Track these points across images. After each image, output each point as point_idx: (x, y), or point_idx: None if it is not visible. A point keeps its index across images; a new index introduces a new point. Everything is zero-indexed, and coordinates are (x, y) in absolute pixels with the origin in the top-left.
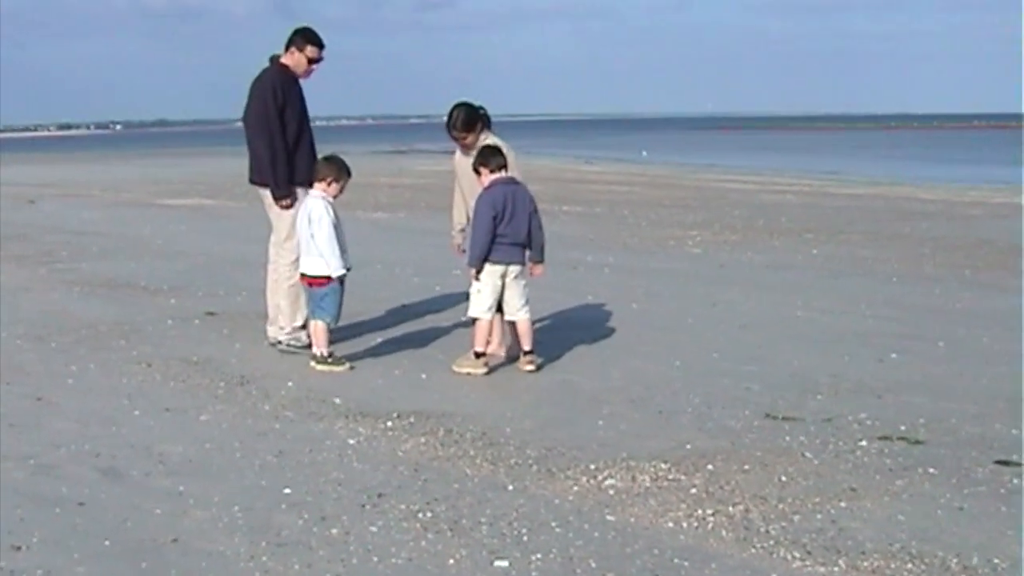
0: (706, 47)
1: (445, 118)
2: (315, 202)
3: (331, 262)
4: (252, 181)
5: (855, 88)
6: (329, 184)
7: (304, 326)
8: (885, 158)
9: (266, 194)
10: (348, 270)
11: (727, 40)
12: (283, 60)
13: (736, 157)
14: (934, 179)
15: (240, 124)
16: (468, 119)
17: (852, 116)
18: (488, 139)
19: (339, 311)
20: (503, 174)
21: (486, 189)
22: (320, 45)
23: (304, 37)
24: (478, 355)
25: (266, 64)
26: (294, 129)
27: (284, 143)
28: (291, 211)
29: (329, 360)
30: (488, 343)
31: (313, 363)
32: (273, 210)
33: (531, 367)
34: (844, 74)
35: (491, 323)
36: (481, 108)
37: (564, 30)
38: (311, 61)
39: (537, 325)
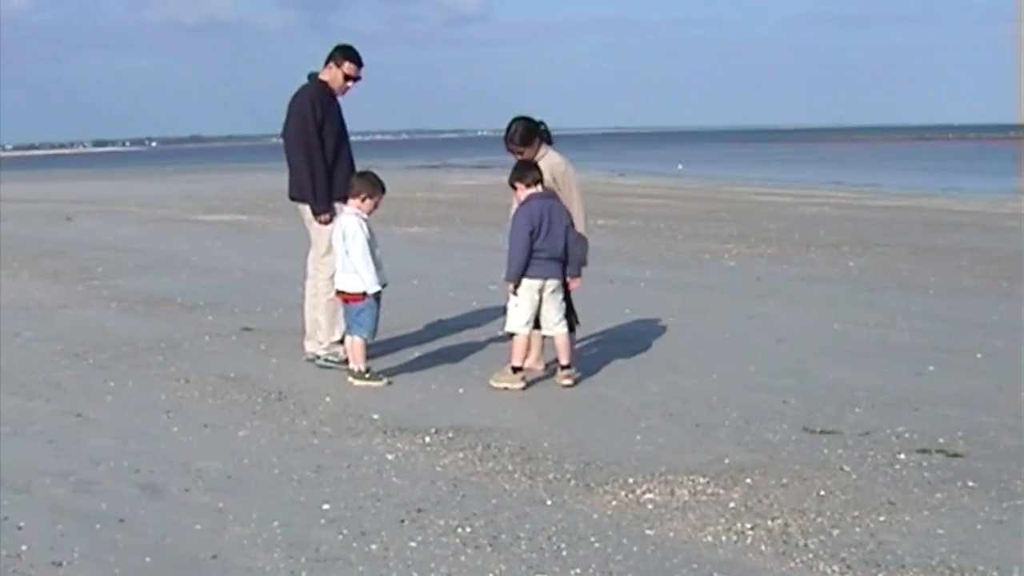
0: (741, 60)
1: (503, 131)
2: (349, 218)
3: (366, 278)
4: (292, 197)
5: (891, 99)
6: (363, 200)
7: (342, 341)
8: (921, 170)
9: (305, 210)
10: (384, 286)
11: (762, 53)
12: (322, 76)
13: (771, 170)
14: (970, 190)
15: (276, 140)
16: (526, 133)
17: (888, 127)
18: (547, 155)
19: (376, 326)
20: (539, 189)
21: (522, 204)
22: (359, 63)
23: (343, 54)
24: (515, 370)
25: (304, 81)
26: (332, 145)
27: (323, 159)
28: (330, 227)
29: (367, 375)
30: (526, 358)
31: (351, 379)
32: (313, 225)
33: (568, 381)
34: (880, 86)
35: (528, 338)
36: (541, 123)
37: (598, 43)
38: (347, 78)
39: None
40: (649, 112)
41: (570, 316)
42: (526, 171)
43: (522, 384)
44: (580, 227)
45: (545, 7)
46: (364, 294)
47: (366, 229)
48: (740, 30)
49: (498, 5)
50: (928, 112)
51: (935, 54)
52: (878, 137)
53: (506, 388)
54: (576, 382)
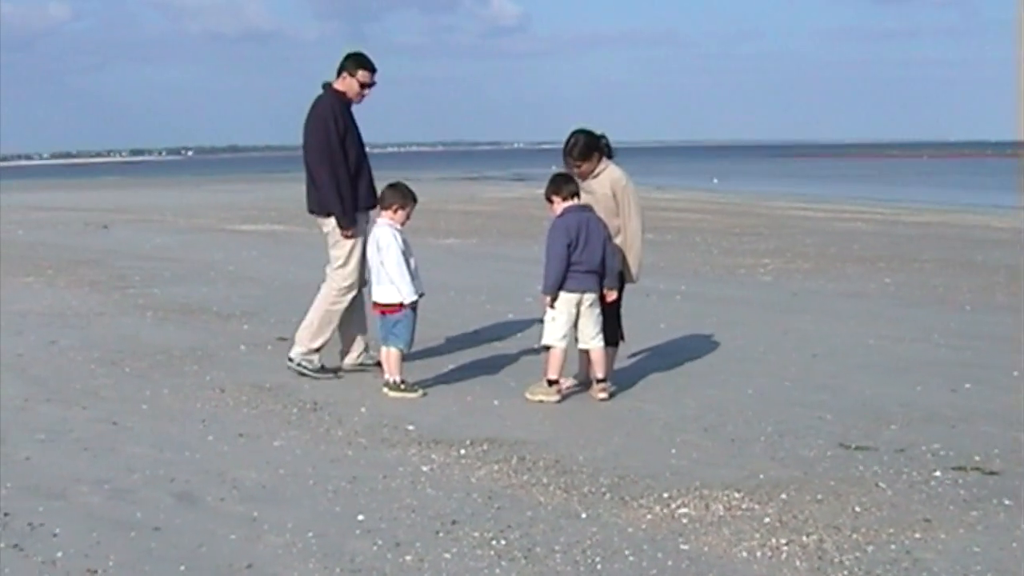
0: (778, 74)
1: (563, 144)
2: (383, 230)
3: (402, 289)
4: (312, 211)
5: (929, 115)
6: (395, 211)
7: (319, 349)
8: (957, 186)
9: (325, 222)
10: (421, 296)
11: (799, 67)
12: (336, 86)
13: (807, 184)
14: (1006, 207)
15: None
16: (586, 146)
17: (925, 143)
18: (608, 169)
19: (412, 338)
20: (576, 201)
21: (559, 217)
22: (372, 69)
23: (355, 62)
24: (551, 383)
25: (319, 91)
26: (355, 156)
27: (347, 171)
28: (352, 240)
29: (402, 387)
30: (562, 371)
31: (386, 389)
32: (332, 237)
33: (604, 395)
34: (918, 101)
35: (565, 351)
36: (602, 136)
37: (636, 56)
38: (363, 85)
39: None
40: (686, 126)
41: (615, 330)
42: (562, 184)
43: (557, 397)
44: (636, 243)
45: (583, 20)
46: (401, 305)
47: (400, 240)
48: (777, 44)
49: (537, 17)
50: (966, 128)
51: (974, 69)
52: (915, 153)
53: (541, 401)
54: (611, 396)
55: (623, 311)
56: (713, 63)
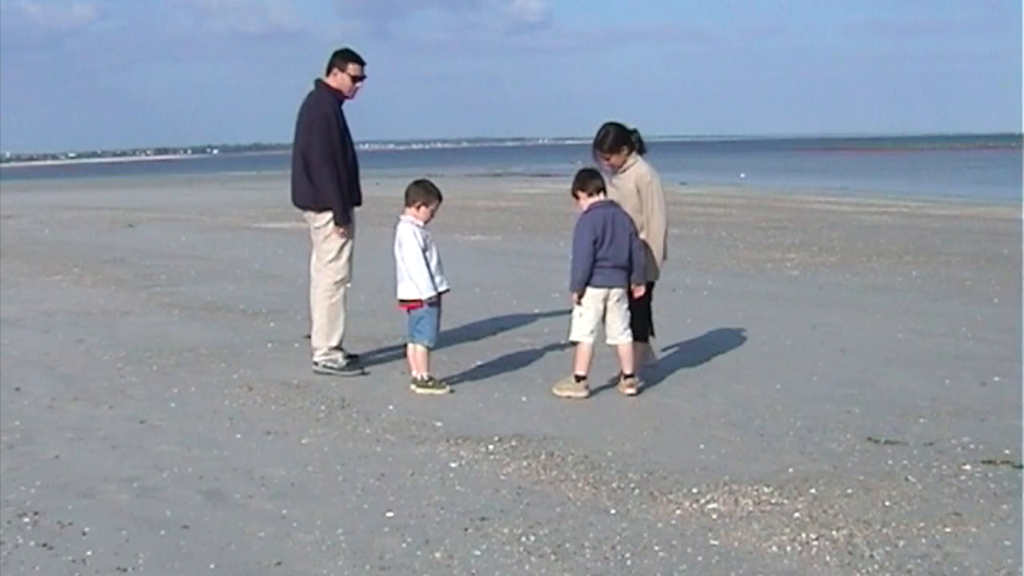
0: (804, 69)
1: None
2: (404, 227)
3: (420, 284)
4: (302, 205)
5: (956, 108)
6: (419, 208)
7: (339, 346)
8: (984, 179)
9: (317, 217)
10: (446, 291)
11: (825, 61)
12: (329, 82)
13: (833, 178)
14: None
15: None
16: (616, 139)
17: (952, 136)
18: (636, 164)
19: (436, 333)
20: (601, 197)
21: (585, 213)
22: (361, 63)
23: (343, 57)
24: (579, 379)
25: (311, 88)
26: (351, 153)
27: (345, 168)
28: (341, 236)
29: (429, 383)
30: (590, 367)
31: (414, 386)
32: (323, 232)
33: (631, 391)
34: (945, 94)
35: (593, 347)
36: (634, 131)
37: (661, 52)
38: (355, 79)
39: None
40: (712, 121)
41: (645, 326)
42: (588, 180)
43: (585, 393)
44: (658, 241)
45: (608, 16)
46: (420, 300)
47: (420, 237)
48: (803, 38)
49: (561, 14)
50: (995, 121)
51: (1002, 62)
52: (941, 146)
53: (569, 397)
54: (639, 391)
55: (653, 306)
56: (739, 58)
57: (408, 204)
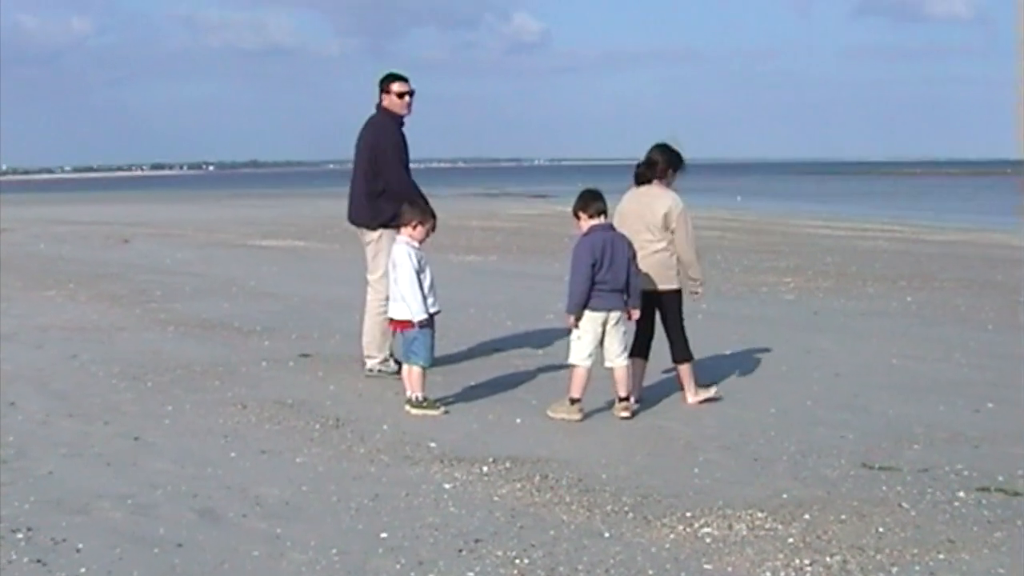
0: (799, 92)
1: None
2: (397, 247)
3: (412, 306)
4: (360, 224)
5: (949, 133)
6: (414, 228)
7: (391, 355)
8: (978, 204)
9: (370, 235)
10: (436, 313)
11: (820, 85)
12: (386, 107)
13: (828, 203)
14: None
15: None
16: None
17: (945, 161)
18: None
19: (431, 353)
20: (602, 220)
21: (585, 235)
22: (403, 79)
23: (387, 80)
24: (573, 401)
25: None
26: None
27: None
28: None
29: (424, 404)
30: (584, 390)
31: (408, 407)
32: (372, 249)
33: (626, 414)
34: (938, 119)
35: (589, 371)
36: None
37: (657, 74)
38: (401, 95)
39: None
40: (708, 144)
41: (685, 348)
42: (590, 201)
43: (579, 416)
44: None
45: (605, 37)
46: (411, 322)
47: (414, 258)
48: (798, 63)
49: (558, 34)
50: (988, 147)
51: (995, 88)
52: (935, 171)
53: (563, 419)
54: (633, 415)
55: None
56: (735, 81)
57: (403, 224)
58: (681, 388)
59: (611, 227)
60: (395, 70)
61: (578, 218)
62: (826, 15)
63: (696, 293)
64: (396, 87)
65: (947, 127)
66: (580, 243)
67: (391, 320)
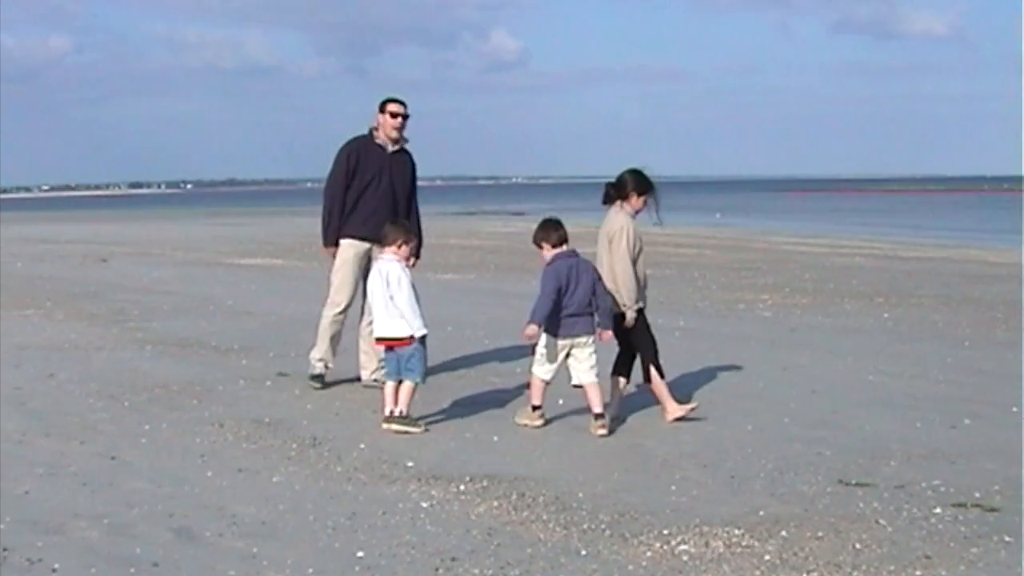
0: (780, 109)
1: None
2: (391, 265)
3: (413, 322)
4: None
5: (929, 150)
6: (399, 247)
7: (318, 360)
8: (955, 221)
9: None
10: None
11: (801, 102)
12: (372, 127)
13: (807, 220)
14: (1005, 242)
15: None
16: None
17: (924, 178)
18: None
19: (425, 369)
20: (564, 248)
21: (549, 264)
22: (397, 101)
23: (384, 102)
24: (535, 408)
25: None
26: (382, 190)
27: (360, 202)
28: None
29: (406, 420)
30: (545, 397)
31: (385, 424)
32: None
33: (603, 431)
34: (918, 136)
35: (546, 385)
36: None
37: (636, 92)
38: (394, 116)
39: (607, 388)
40: (687, 161)
41: (650, 368)
42: (552, 231)
43: (541, 422)
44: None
45: (584, 55)
46: (411, 338)
47: (407, 275)
48: (779, 79)
49: (536, 53)
50: (965, 163)
51: (974, 104)
52: (914, 188)
53: (526, 425)
54: (610, 432)
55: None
56: (715, 98)
57: (389, 243)
58: (658, 404)
59: (574, 253)
60: (393, 95)
61: (541, 248)
62: (805, 32)
63: (629, 319)
64: (390, 108)
65: (926, 144)
66: (545, 273)
67: (384, 339)
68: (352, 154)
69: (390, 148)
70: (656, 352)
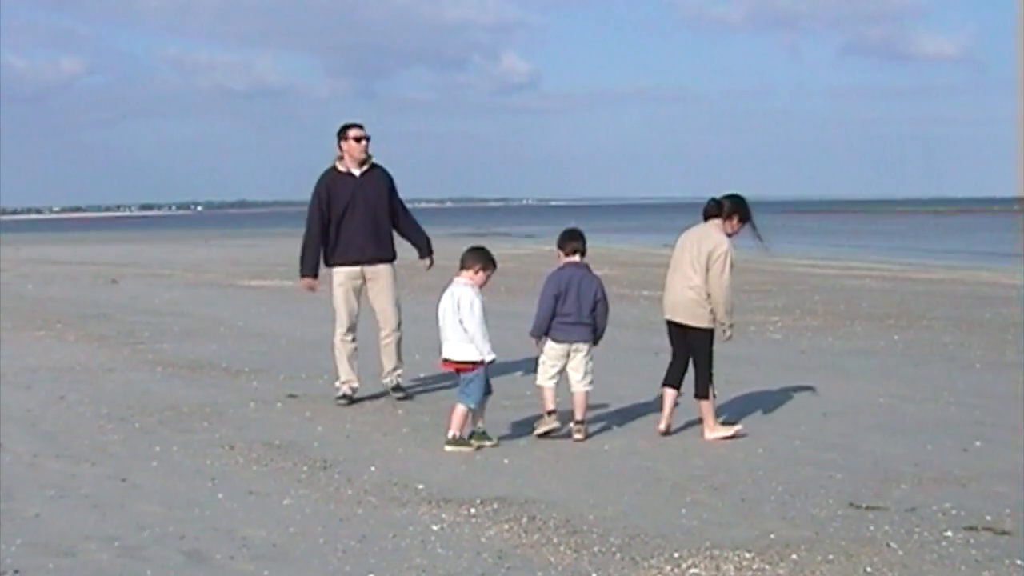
0: (789, 131)
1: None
2: (464, 290)
3: (483, 347)
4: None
5: (938, 172)
6: (476, 273)
7: (342, 383)
8: (966, 242)
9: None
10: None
11: (811, 125)
12: (338, 155)
13: (817, 241)
14: (1015, 264)
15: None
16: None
17: (934, 200)
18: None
19: (481, 395)
20: (575, 259)
21: (554, 271)
22: (356, 126)
23: (342, 128)
24: (549, 413)
25: (328, 146)
26: (359, 213)
27: (341, 230)
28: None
29: (460, 441)
30: (556, 403)
31: (447, 446)
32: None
33: (580, 436)
34: (927, 158)
35: (552, 389)
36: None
37: (647, 114)
38: (357, 140)
39: (618, 410)
40: (697, 182)
41: (705, 387)
42: (567, 241)
43: (558, 424)
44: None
45: (594, 77)
46: (481, 362)
47: (480, 300)
48: (789, 102)
49: (547, 75)
50: (974, 185)
51: (984, 126)
52: (924, 209)
53: (545, 431)
54: (587, 436)
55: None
56: (724, 120)
57: (465, 268)
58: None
59: (584, 266)
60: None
61: (559, 255)
62: (815, 55)
63: (725, 335)
64: (353, 132)
65: (936, 165)
66: (548, 278)
67: (453, 361)
68: (323, 189)
69: (357, 172)
70: (712, 371)
